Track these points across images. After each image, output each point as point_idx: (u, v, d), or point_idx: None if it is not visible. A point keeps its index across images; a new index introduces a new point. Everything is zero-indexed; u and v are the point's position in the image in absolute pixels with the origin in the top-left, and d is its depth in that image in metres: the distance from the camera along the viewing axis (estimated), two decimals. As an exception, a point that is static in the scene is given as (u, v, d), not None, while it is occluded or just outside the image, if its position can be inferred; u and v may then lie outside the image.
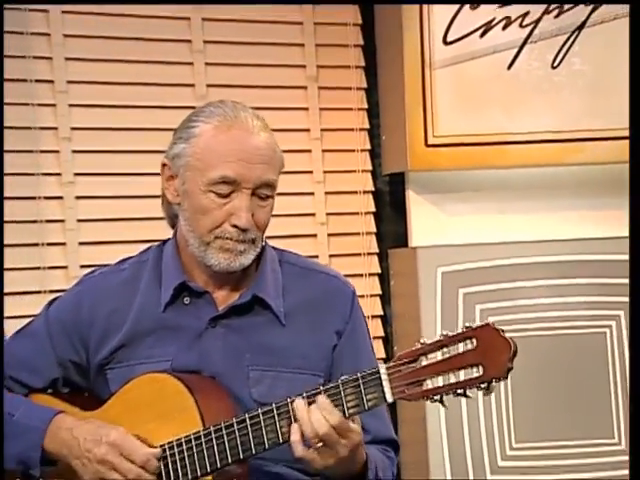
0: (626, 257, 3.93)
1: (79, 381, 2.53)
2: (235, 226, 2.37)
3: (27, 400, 2.50)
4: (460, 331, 2.13)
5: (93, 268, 2.61)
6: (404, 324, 4.07)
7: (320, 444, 2.20)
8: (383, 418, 2.51)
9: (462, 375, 2.12)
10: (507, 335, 2.11)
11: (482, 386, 2.11)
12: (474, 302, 3.95)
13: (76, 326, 2.52)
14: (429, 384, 2.14)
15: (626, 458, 3.98)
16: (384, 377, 2.17)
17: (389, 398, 2.17)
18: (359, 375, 2.20)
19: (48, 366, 2.53)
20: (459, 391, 2.12)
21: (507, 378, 2.10)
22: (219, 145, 2.39)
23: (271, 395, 2.37)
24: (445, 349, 2.14)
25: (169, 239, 2.54)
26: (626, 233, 4.08)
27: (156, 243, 2.57)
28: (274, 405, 2.25)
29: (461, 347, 2.13)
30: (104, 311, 2.51)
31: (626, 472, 3.92)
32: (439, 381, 2.15)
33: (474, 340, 2.11)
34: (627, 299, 3.95)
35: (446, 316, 3.92)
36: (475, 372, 2.11)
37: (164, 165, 2.45)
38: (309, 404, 2.22)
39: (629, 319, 2.95)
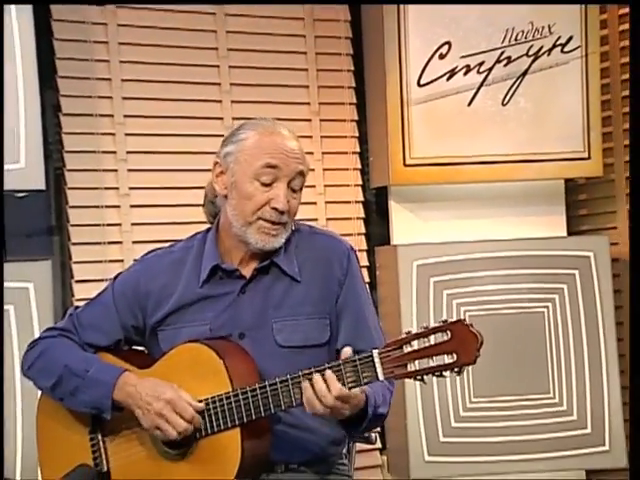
0: (560, 252, 4.08)
1: (137, 340, 2.56)
2: (274, 208, 2.39)
3: (99, 359, 2.50)
4: (437, 325, 2.15)
5: (150, 249, 2.62)
6: (387, 306, 4.07)
7: (328, 410, 2.22)
8: None
9: (438, 360, 2.14)
10: (475, 329, 2.13)
11: (455, 370, 2.14)
12: (442, 288, 3.98)
13: (136, 297, 2.54)
14: (412, 367, 2.17)
15: (559, 409, 4.03)
16: (376, 360, 2.19)
17: (380, 377, 2.20)
18: (357, 357, 2.21)
19: (113, 329, 2.54)
20: (436, 373, 2.16)
21: (475, 364, 2.13)
22: (263, 144, 2.41)
23: (291, 339, 2.45)
24: (425, 339, 2.16)
25: (211, 228, 2.56)
26: (559, 234, 4.25)
27: (202, 230, 2.58)
28: (289, 376, 2.27)
29: (438, 338, 2.14)
30: (157, 285, 2.52)
31: (558, 419, 4.03)
32: (420, 364, 2.16)
33: (448, 332, 2.13)
34: (561, 285, 4.06)
35: (420, 300, 3.96)
36: (449, 359, 2.13)
37: (216, 163, 2.47)
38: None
39: (629, 320, 2.99)
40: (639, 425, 2.55)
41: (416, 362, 2.18)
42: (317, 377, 2.24)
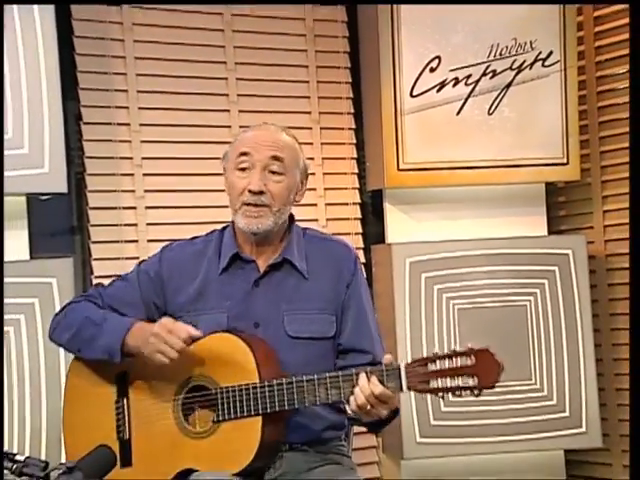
0: (541, 250, 4.11)
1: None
2: (250, 191, 2.46)
3: (117, 315, 2.55)
4: (464, 350, 2.21)
5: (170, 242, 2.68)
6: (382, 300, 4.08)
7: (369, 407, 2.25)
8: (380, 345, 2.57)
9: (460, 381, 2.19)
10: (498, 358, 2.21)
11: (475, 392, 2.20)
12: (433, 283, 4.00)
13: (157, 278, 2.59)
14: (434, 384, 2.21)
15: (540, 394, 4.05)
16: (402, 373, 2.23)
17: (405, 389, 2.24)
18: (384, 367, 2.26)
19: (135, 301, 2.58)
20: (457, 393, 2.20)
21: (494, 389, 2.20)
22: (241, 138, 2.56)
23: (301, 331, 2.49)
24: (450, 360, 2.20)
25: (228, 225, 2.63)
26: (540, 233, 4.28)
27: (219, 227, 2.65)
28: (315, 376, 2.31)
29: (463, 361, 2.20)
30: (178, 271, 2.58)
31: (539, 404, 4.04)
32: (442, 383, 2.21)
33: (473, 357, 2.20)
34: (542, 280, 4.09)
35: (412, 294, 3.98)
36: (471, 381, 2.19)
37: (224, 168, 2.58)
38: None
39: (629, 320, 3.01)
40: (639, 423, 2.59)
41: (439, 380, 2.21)
42: (362, 376, 2.26)
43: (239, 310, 2.52)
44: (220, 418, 2.41)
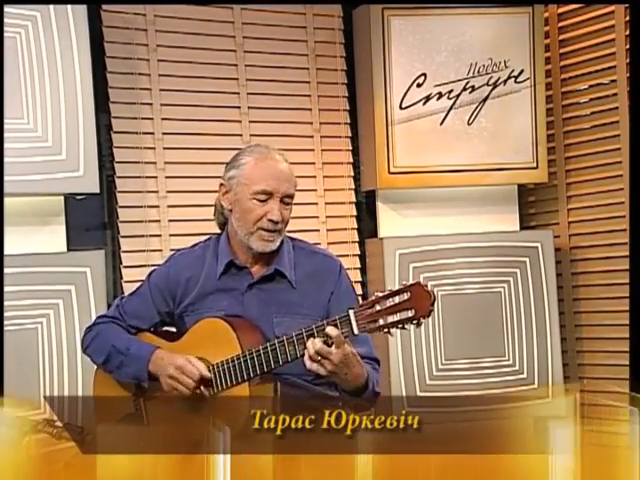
0: (513, 243, 4.12)
1: (169, 322, 2.61)
2: (270, 220, 2.42)
3: (138, 340, 2.56)
4: (399, 288, 2.19)
5: (176, 249, 2.67)
6: (375, 287, 4.05)
7: (319, 358, 2.24)
8: (369, 344, 2.47)
9: (401, 316, 2.16)
10: (429, 289, 2.16)
11: (414, 322, 2.17)
12: (419, 272, 4.03)
13: (167, 287, 2.58)
14: (381, 322, 2.18)
15: (512, 369, 4.08)
16: (352, 318, 2.22)
17: (355, 331, 2.22)
18: (337, 317, 2.25)
19: (150, 314, 2.59)
20: (399, 326, 2.18)
21: (430, 317, 2.15)
22: (260, 169, 2.44)
23: (287, 332, 2.39)
24: (390, 299, 2.17)
25: (221, 233, 2.59)
26: (513, 228, 4.27)
27: (214, 235, 2.62)
28: (284, 337, 2.32)
29: (400, 298, 2.17)
30: (184, 277, 2.55)
31: (512, 377, 4.07)
32: (387, 320, 2.18)
33: (408, 293, 2.16)
34: (515, 270, 4.10)
35: (401, 281, 3.91)
36: (410, 313, 2.15)
37: (221, 185, 2.51)
38: (307, 337, 2.28)
39: (629, 319, 3.04)
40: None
41: (384, 318, 2.19)
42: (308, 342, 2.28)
43: (235, 309, 2.51)
44: (215, 391, 2.42)
